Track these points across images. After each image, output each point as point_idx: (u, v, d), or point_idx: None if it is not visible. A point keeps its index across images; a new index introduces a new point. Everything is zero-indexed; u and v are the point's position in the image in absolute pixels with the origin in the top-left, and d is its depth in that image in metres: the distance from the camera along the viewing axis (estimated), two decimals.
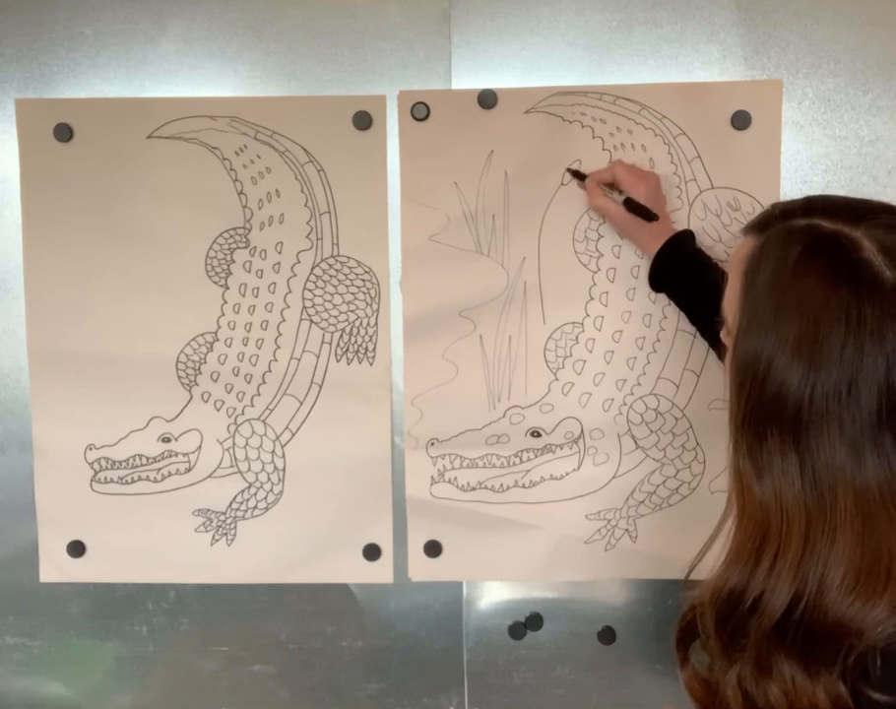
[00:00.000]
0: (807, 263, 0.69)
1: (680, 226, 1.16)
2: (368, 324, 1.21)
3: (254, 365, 1.21)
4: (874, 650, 0.66)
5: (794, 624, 0.68)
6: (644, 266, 1.17)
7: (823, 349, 0.67)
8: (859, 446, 0.67)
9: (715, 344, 1.13)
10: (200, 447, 1.23)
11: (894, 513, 0.67)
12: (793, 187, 1.17)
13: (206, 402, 1.22)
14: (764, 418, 0.70)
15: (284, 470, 1.23)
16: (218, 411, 1.22)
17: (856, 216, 0.70)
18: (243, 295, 1.21)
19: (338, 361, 1.21)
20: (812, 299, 0.68)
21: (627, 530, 1.22)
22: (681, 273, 1.12)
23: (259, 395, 1.22)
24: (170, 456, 1.23)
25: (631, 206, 1.09)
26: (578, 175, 1.15)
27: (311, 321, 1.21)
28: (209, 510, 1.24)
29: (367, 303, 1.21)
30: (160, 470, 1.23)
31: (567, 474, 1.21)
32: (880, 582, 0.66)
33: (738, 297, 0.74)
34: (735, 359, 0.73)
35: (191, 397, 1.22)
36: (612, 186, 1.12)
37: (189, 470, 1.23)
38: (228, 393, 1.22)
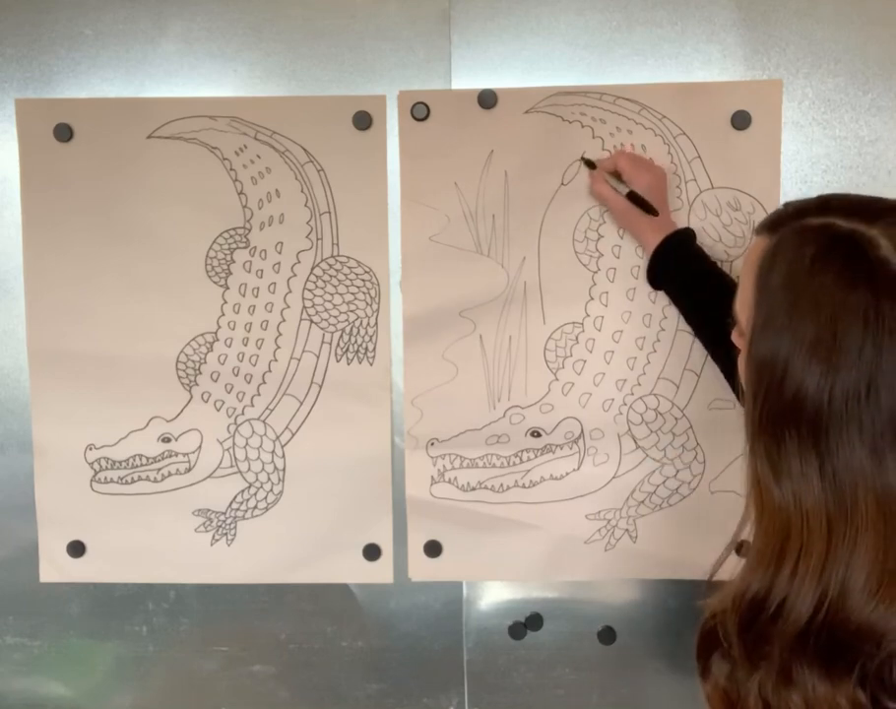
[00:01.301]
0: (823, 262, 0.68)
1: (681, 225, 1.16)
2: (368, 324, 1.21)
3: (254, 365, 1.21)
4: (893, 658, 0.65)
5: (816, 630, 0.67)
6: (644, 266, 1.17)
7: (841, 349, 0.66)
8: (879, 448, 0.66)
9: (712, 344, 1.12)
10: (200, 447, 1.23)
11: None
12: (793, 187, 1.17)
13: (206, 402, 1.22)
14: (782, 420, 0.69)
15: (284, 470, 1.23)
16: (218, 411, 1.22)
17: (872, 214, 0.69)
18: (243, 295, 1.21)
19: (338, 361, 1.21)
20: (829, 299, 0.67)
21: (627, 530, 1.22)
22: (680, 270, 1.12)
23: (259, 395, 1.22)
24: (170, 456, 1.23)
25: (633, 197, 1.10)
26: (589, 164, 1.15)
27: (311, 321, 1.21)
28: (209, 510, 1.24)
29: (367, 303, 1.21)
30: (160, 470, 1.23)
31: (567, 474, 1.21)
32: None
33: (752, 298, 0.73)
34: (750, 361, 0.72)
35: (191, 397, 1.22)
36: (619, 177, 1.12)
37: (189, 470, 1.23)
38: (228, 393, 1.22)
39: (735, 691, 0.73)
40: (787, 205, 0.76)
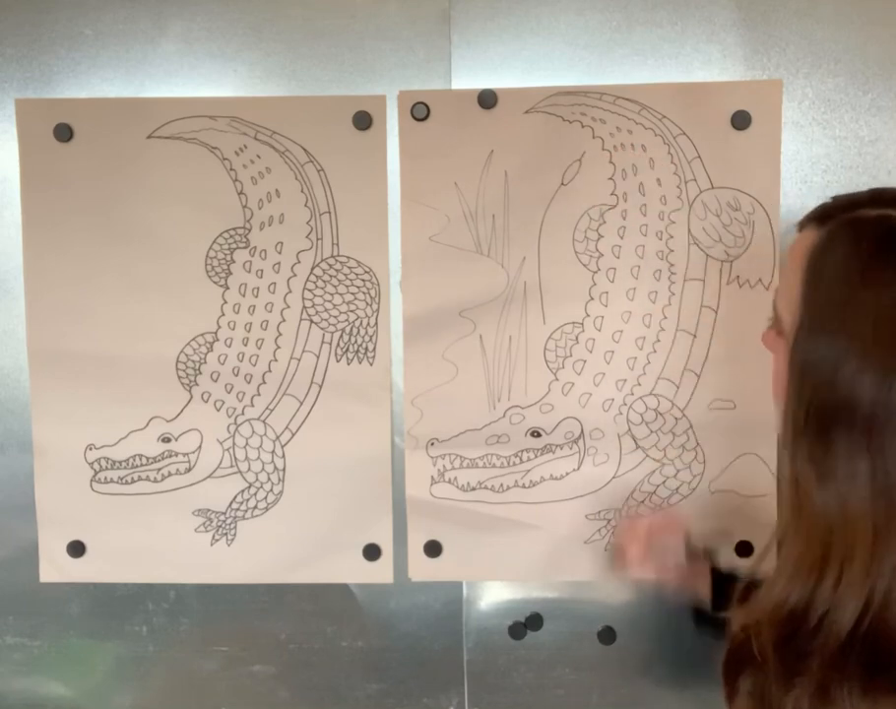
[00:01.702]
0: (882, 255, 0.65)
1: (681, 227, 1.16)
2: (368, 324, 1.21)
3: (254, 365, 1.21)
4: None
5: (857, 644, 0.64)
6: (644, 266, 1.17)
7: None
8: None
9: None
10: (200, 447, 1.23)
11: None
12: (793, 187, 1.17)
13: (206, 402, 1.22)
14: (831, 420, 0.65)
15: (284, 470, 1.23)
16: (218, 411, 1.22)
17: None
18: (243, 295, 1.21)
19: (338, 361, 1.21)
20: (889, 293, 0.64)
21: None
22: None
23: (259, 395, 1.22)
24: (170, 456, 1.23)
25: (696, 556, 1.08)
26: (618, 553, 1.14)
27: (311, 321, 1.21)
28: (209, 510, 1.24)
29: (367, 303, 1.21)
30: (160, 470, 1.23)
31: (567, 474, 1.21)
32: None
33: (799, 293, 0.69)
34: (795, 358, 0.68)
35: (191, 397, 1.22)
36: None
37: (189, 470, 1.23)
38: (228, 393, 1.22)
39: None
40: (835, 198, 0.72)
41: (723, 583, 1.05)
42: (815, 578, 0.66)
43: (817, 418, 0.66)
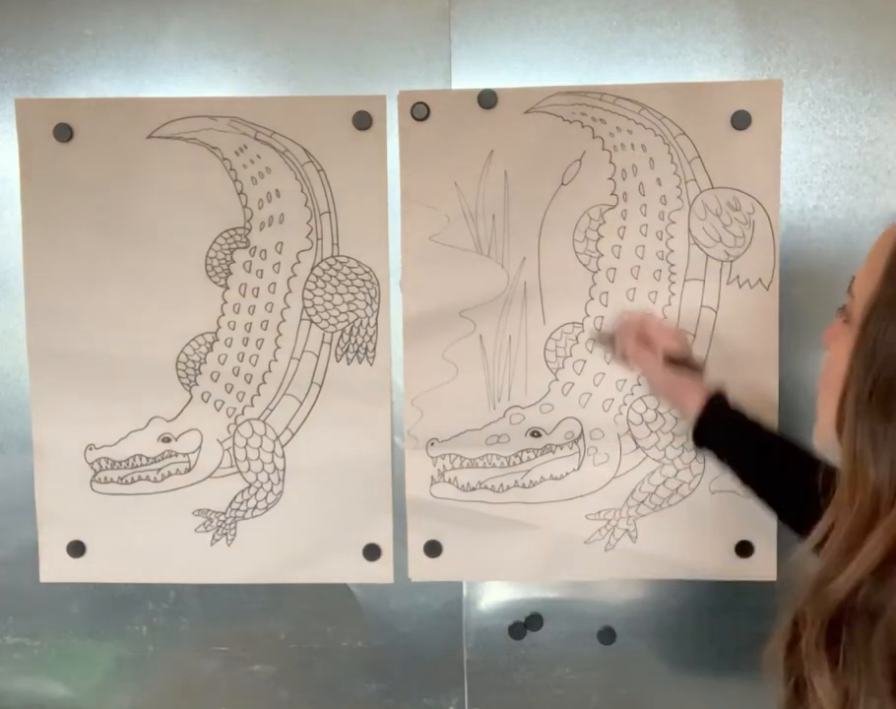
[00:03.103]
0: None
1: (681, 227, 1.16)
2: (368, 324, 1.21)
3: (254, 365, 1.21)
4: None
5: None
6: (644, 266, 1.17)
7: None
8: None
9: (771, 504, 1.07)
10: (200, 447, 1.23)
11: None
12: (793, 187, 1.17)
13: (206, 402, 1.22)
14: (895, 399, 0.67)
15: (284, 470, 1.23)
16: (218, 411, 1.22)
17: None
18: (243, 295, 1.21)
19: (338, 361, 1.21)
20: None
21: (627, 530, 1.22)
22: (726, 431, 1.08)
23: (259, 395, 1.22)
24: (170, 456, 1.23)
25: (674, 360, 1.08)
26: (604, 339, 1.16)
27: (311, 321, 1.21)
28: (209, 510, 1.24)
29: (367, 303, 1.21)
30: (160, 470, 1.23)
31: (567, 474, 1.21)
32: None
33: (881, 276, 0.70)
34: (867, 335, 0.69)
35: (191, 397, 1.22)
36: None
37: (189, 470, 1.23)
38: (228, 393, 1.22)
39: (813, 700, 0.67)
40: None
41: (720, 417, 1.07)
42: (861, 552, 0.66)
43: (884, 391, 0.68)
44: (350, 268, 1.20)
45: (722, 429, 1.08)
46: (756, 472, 1.07)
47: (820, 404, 0.77)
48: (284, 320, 1.21)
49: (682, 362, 1.09)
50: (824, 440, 0.76)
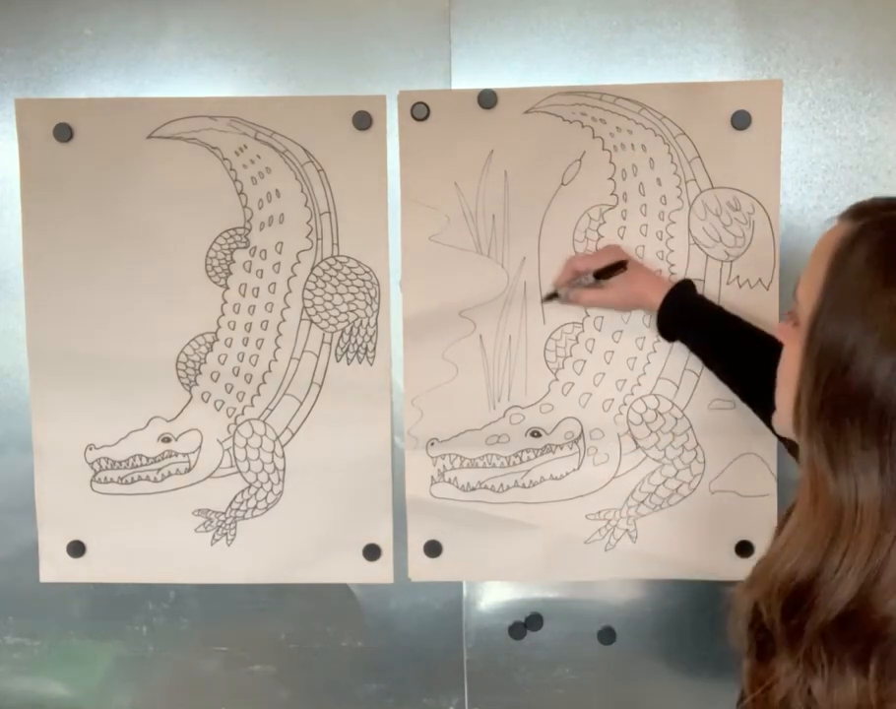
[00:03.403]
0: None
1: (681, 227, 1.16)
2: (368, 324, 1.21)
3: (254, 365, 1.21)
4: None
5: (845, 624, 0.67)
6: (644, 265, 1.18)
7: None
8: None
9: (735, 385, 1.12)
10: (200, 447, 1.23)
11: None
12: (793, 187, 1.17)
13: (206, 402, 1.22)
14: (845, 408, 0.67)
15: (284, 470, 1.23)
16: (218, 411, 1.22)
17: None
18: (243, 295, 1.21)
19: (338, 361, 1.21)
20: None
21: (627, 530, 1.22)
22: (690, 319, 1.13)
23: (259, 395, 1.22)
24: (170, 456, 1.23)
25: (600, 274, 1.12)
26: (552, 296, 1.17)
27: (311, 321, 1.21)
28: (209, 510, 1.24)
29: (367, 303, 1.21)
30: (160, 470, 1.23)
31: (567, 474, 1.21)
32: None
33: (823, 280, 0.71)
34: (812, 344, 0.70)
35: (191, 397, 1.22)
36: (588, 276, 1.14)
37: (189, 470, 1.23)
38: (228, 393, 1.22)
39: (769, 673, 0.73)
40: (875, 198, 0.75)
41: (681, 307, 1.12)
42: (823, 556, 0.68)
43: (832, 405, 0.68)
44: (350, 268, 1.20)
45: (684, 318, 1.13)
46: (719, 355, 1.12)
47: (777, 395, 0.79)
48: (284, 320, 1.21)
49: (610, 269, 1.11)
50: (782, 429, 0.78)
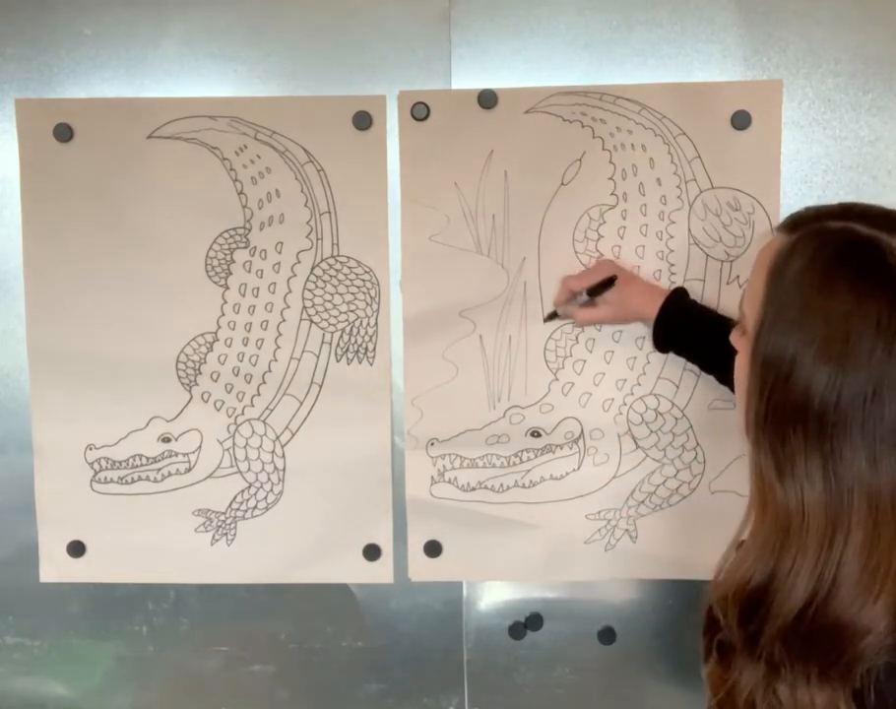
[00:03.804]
0: (840, 265, 0.69)
1: (681, 227, 1.16)
2: (368, 324, 1.21)
3: (254, 365, 1.21)
4: (869, 675, 0.67)
5: (803, 625, 0.69)
6: (644, 266, 1.17)
7: (852, 351, 0.66)
8: (877, 452, 0.67)
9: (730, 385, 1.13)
10: (200, 447, 1.23)
11: None
12: (793, 187, 1.17)
13: (206, 402, 1.22)
14: (788, 417, 0.69)
15: (284, 470, 1.23)
16: (218, 411, 1.22)
17: (892, 224, 0.70)
18: (243, 295, 1.21)
19: (338, 361, 1.21)
20: (843, 301, 0.67)
21: (627, 530, 1.22)
22: (684, 330, 1.13)
23: (259, 395, 1.22)
24: (170, 456, 1.23)
25: (592, 291, 1.13)
26: (552, 317, 1.18)
27: (311, 321, 1.21)
28: (209, 510, 1.24)
29: (367, 303, 1.21)
30: (160, 470, 1.23)
31: (567, 474, 1.21)
32: (873, 592, 0.67)
33: (763, 294, 0.73)
34: (755, 356, 0.72)
35: (191, 397, 1.22)
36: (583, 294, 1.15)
37: (189, 470, 1.23)
38: (228, 393, 1.22)
39: (730, 675, 0.75)
40: (808, 208, 0.76)
41: (675, 317, 1.13)
42: (775, 561, 0.70)
43: (776, 414, 0.71)
44: (350, 268, 1.20)
45: (678, 328, 1.13)
46: (713, 360, 1.13)
47: (737, 398, 0.81)
48: (284, 320, 1.21)
49: (601, 286, 1.12)
50: (744, 435, 0.79)
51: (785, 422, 0.70)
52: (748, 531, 0.75)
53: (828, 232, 0.71)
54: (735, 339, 0.82)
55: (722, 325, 1.11)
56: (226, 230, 1.20)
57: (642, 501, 1.21)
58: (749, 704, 0.72)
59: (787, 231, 0.74)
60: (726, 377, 1.11)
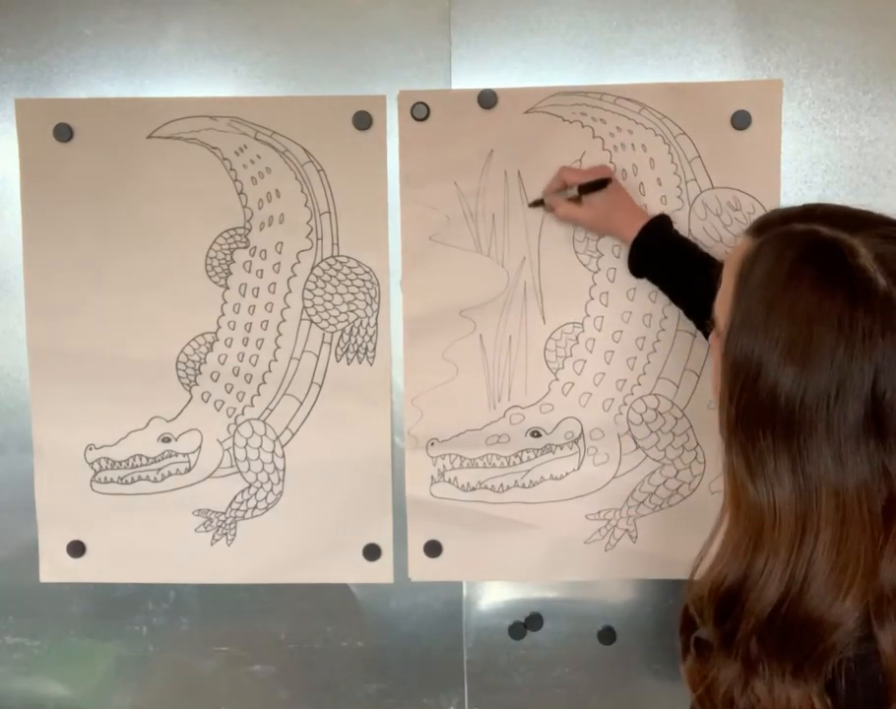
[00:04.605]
0: (803, 266, 0.70)
1: (681, 227, 1.16)
2: (368, 324, 1.21)
3: (254, 365, 1.21)
4: (840, 667, 0.68)
5: (777, 622, 0.70)
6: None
7: (815, 352, 0.67)
8: (843, 451, 0.68)
9: (702, 325, 1.13)
10: (200, 447, 1.23)
11: (868, 520, 0.68)
12: (793, 187, 1.17)
13: (206, 402, 1.22)
14: (757, 418, 0.71)
15: (284, 470, 1.23)
16: (218, 411, 1.22)
17: (855, 224, 0.71)
18: (243, 295, 1.21)
19: (338, 361, 1.21)
20: (806, 302, 0.68)
21: (627, 530, 1.22)
22: (660, 256, 1.13)
23: (259, 395, 1.22)
24: (170, 456, 1.23)
25: (583, 188, 1.11)
26: (537, 203, 1.17)
27: (311, 321, 1.21)
28: (209, 510, 1.24)
29: (367, 303, 1.21)
30: (160, 470, 1.23)
31: (567, 474, 1.21)
32: (842, 588, 0.68)
33: (732, 297, 0.74)
34: (726, 359, 0.74)
35: (191, 397, 1.22)
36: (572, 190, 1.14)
37: (189, 470, 1.23)
38: (228, 393, 1.22)
39: (708, 672, 0.76)
40: (773, 210, 0.78)
41: (653, 244, 1.12)
42: (748, 561, 0.72)
43: (745, 415, 0.72)
44: (350, 268, 1.20)
45: (654, 253, 1.13)
46: (684, 292, 1.13)
47: (714, 399, 0.81)
48: (284, 320, 1.21)
49: (593, 185, 1.11)
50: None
51: (754, 424, 0.71)
52: (723, 530, 0.77)
53: (792, 235, 0.72)
54: (711, 341, 0.83)
55: (699, 259, 1.12)
56: (226, 230, 1.20)
57: (642, 501, 1.21)
58: (728, 701, 0.73)
59: (754, 235, 0.75)
60: (693, 310, 1.13)
